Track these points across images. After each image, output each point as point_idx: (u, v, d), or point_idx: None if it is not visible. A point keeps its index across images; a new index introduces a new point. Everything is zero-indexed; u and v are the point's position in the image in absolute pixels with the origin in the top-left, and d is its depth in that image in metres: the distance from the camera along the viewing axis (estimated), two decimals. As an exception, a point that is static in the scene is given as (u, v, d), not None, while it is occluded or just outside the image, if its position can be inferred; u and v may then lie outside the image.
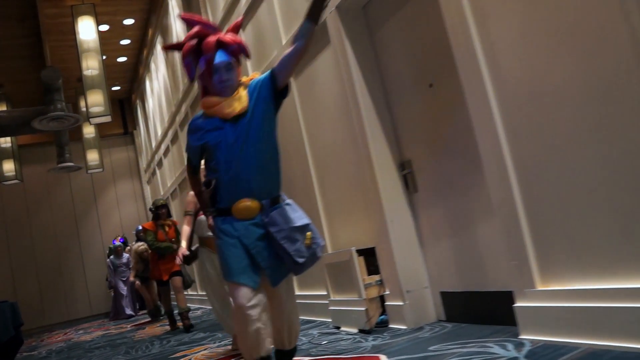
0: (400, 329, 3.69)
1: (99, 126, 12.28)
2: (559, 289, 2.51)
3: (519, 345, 2.66)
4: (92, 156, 12.14)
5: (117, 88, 13.48)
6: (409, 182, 3.78)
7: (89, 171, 12.17)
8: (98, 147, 12.23)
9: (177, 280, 6.61)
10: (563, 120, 2.36)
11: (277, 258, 2.42)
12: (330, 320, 4.47)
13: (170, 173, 10.96)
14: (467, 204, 3.33)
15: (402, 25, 3.60)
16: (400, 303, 3.69)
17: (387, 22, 3.74)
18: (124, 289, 10.65)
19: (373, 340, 3.53)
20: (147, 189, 14.08)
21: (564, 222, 2.44)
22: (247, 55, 2.47)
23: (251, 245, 2.38)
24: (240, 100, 2.39)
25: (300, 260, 2.37)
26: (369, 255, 4.01)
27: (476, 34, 2.73)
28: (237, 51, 2.42)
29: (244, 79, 2.50)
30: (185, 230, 4.29)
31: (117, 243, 10.89)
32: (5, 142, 10.89)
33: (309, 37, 2.34)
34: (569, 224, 2.42)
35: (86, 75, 8.27)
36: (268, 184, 2.45)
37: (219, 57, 2.37)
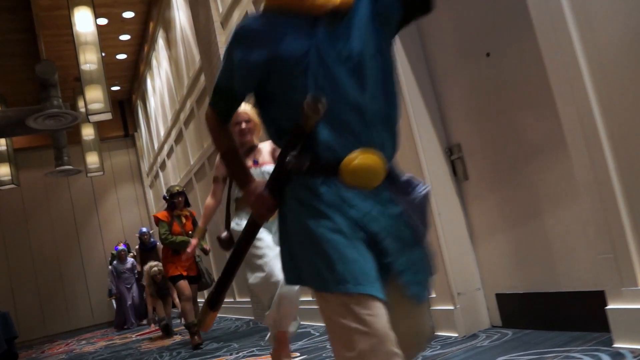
0: (450, 337, 3.22)
1: (98, 128, 11.82)
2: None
3: (617, 355, 2.20)
4: (92, 159, 11.66)
5: (117, 88, 13.01)
6: (458, 169, 3.31)
7: (89, 174, 11.68)
8: (98, 150, 11.76)
9: (192, 289, 5.74)
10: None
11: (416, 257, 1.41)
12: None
13: (174, 175, 10.49)
14: (529, 192, 2.87)
15: (448, -12, 3.14)
16: (450, 307, 3.22)
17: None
18: (128, 297, 10.04)
19: (422, 350, 3.06)
20: (150, 193, 13.59)
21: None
22: None
23: (382, 234, 1.35)
24: None
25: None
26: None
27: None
28: None
29: None
30: (208, 207, 3.49)
31: (120, 248, 10.27)
32: (0, 144, 10.40)
33: None
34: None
35: (84, 70, 7.79)
36: (392, 135, 1.43)
37: None
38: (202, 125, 8.02)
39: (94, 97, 8.37)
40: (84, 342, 9.37)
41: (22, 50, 9.36)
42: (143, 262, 8.66)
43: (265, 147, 3.29)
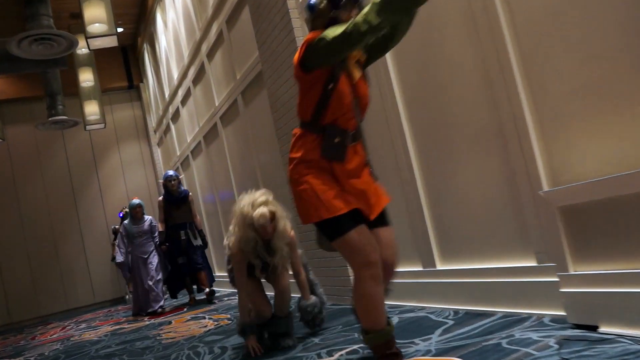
0: None
1: (99, 77, 9.98)
2: None
3: None
4: (91, 109, 9.86)
5: (120, 30, 11.11)
6: None
7: (88, 127, 9.89)
8: (98, 98, 9.94)
9: None
10: None
11: None
12: (560, 312, 2.46)
13: (191, 124, 8.69)
14: None
15: None
16: None
17: None
18: (152, 270, 6.84)
19: None
20: (158, 152, 11.79)
21: None
22: None
23: None
24: None
25: None
26: None
27: None
28: None
29: None
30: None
31: (136, 202, 7.13)
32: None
33: None
34: None
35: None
36: None
37: None
38: (234, 50, 6.21)
39: (95, 15, 6.55)
40: (83, 325, 7.68)
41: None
42: (170, 220, 6.83)
43: None
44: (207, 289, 6.86)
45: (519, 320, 2.63)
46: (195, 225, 6.97)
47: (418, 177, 3.44)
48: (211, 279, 7.09)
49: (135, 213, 7.05)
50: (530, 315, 2.64)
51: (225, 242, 3.43)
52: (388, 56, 3.46)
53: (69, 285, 10.97)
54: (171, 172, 6.94)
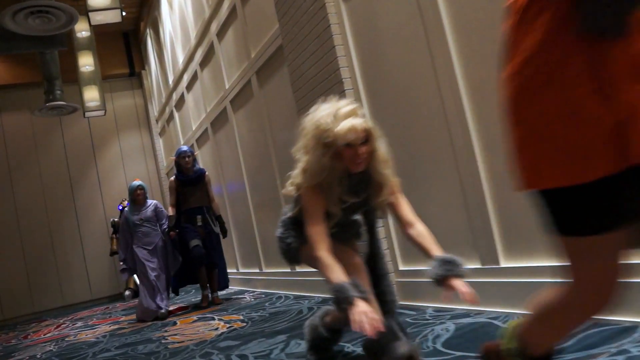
0: None
1: (99, 62, 9.45)
2: None
3: None
4: (91, 95, 9.33)
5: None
6: None
7: (87, 114, 9.36)
8: (99, 84, 9.41)
9: None
10: None
11: None
12: None
13: (196, 110, 8.17)
14: None
15: None
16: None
17: None
18: (151, 267, 5.76)
19: None
20: (160, 142, 11.26)
21: None
22: None
23: None
24: None
25: None
26: None
27: None
28: None
29: None
30: None
31: (137, 183, 6.03)
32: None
33: None
34: None
35: None
36: None
37: None
38: (249, 26, 5.69)
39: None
40: (79, 323, 7.15)
41: None
42: (184, 204, 5.83)
43: None
44: (216, 294, 5.99)
45: (624, 330, 2.10)
46: (213, 210, 6.03)
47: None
48: (226, 280, 6.14)
49: (137, 196, 5.92)
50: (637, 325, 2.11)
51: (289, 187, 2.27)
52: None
53: (65, 281, 10.43)
54: (185, 148, 5.96)
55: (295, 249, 2.32)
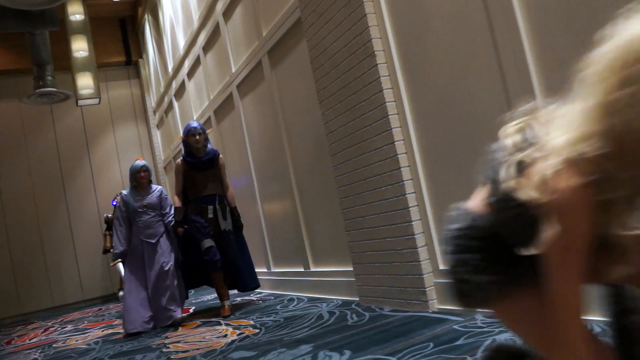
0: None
1: (94, 51, 8.89)
2: None
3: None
4: (85, 81, 8.78)
5: (118, -1, 10.04)
6: None
7: (80, 102, 8.80)
8: (93, 70, 8.85)
9: None
10: None
11: None
12: None
13: (198, 98, 7.62)
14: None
15: None
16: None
17: None
18: (152, 264, 4.81)
19: None
20: (157, 135, 10.70)
21: None
22: None
23: None
24: None
25: None
26: None
27: None
28: None
29: None
30: None
31: (140, 162, 5.13)
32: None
33: None
34: None
35: None
36: None
37: None
38: (260, 2, 5.16)
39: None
40: (69, 327, 6.58)
41: None
42: (192, 192, 4.83)
43: None
44: (228, 301, 4.84)
45: None
46: (227, 200, 5.02)
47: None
48: (254, 280, 5.09)
49: (140, 178, 4.95)
50: None
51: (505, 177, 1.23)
52: None
53: (54, 280, 9.85)
54: (195, 124, 4.90)
55: (495, 295, 1.29)
